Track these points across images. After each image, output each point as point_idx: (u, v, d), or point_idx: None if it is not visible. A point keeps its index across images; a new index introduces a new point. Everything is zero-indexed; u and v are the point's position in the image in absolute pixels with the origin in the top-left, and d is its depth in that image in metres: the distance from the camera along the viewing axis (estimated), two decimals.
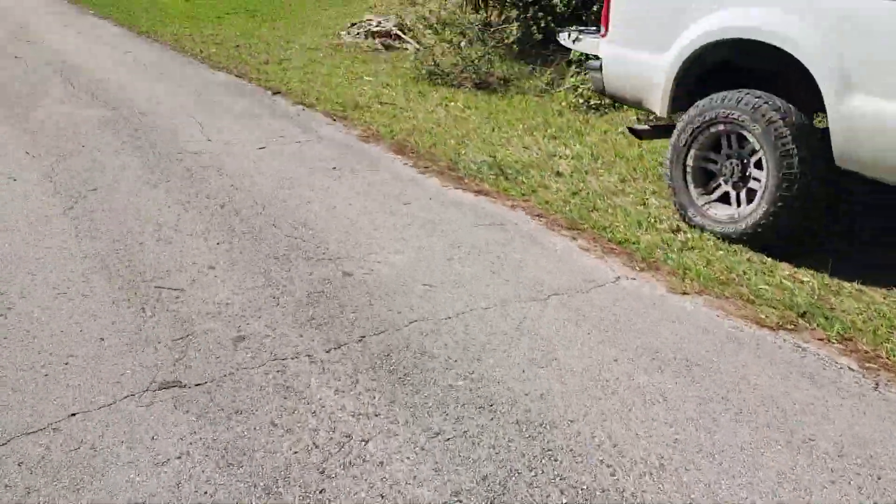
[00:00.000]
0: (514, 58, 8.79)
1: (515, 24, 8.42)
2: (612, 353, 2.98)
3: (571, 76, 7.89)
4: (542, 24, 8.33)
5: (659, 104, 4.68)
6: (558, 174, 5.36)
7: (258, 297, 3.34)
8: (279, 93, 7.47)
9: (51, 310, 3.17)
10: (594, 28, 5.94)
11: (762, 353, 3.03)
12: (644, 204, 4.86)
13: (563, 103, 7.49)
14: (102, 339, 2.96)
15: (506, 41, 8.72)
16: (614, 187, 5.16)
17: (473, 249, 3.91)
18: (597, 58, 5.17)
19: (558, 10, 8.15)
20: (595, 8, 8.08)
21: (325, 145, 5.72)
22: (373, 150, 5.67)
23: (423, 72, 8.44)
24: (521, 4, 8.70)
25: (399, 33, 11.08)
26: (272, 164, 5.21)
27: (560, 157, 5.82)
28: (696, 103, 4.40)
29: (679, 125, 4.49)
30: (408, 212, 4.41)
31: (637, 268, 3.79)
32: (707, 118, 4.28)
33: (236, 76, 8.20)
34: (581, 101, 7.42)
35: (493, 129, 6.51)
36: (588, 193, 4.95)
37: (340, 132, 6.13)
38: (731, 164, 4.28)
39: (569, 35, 5.54)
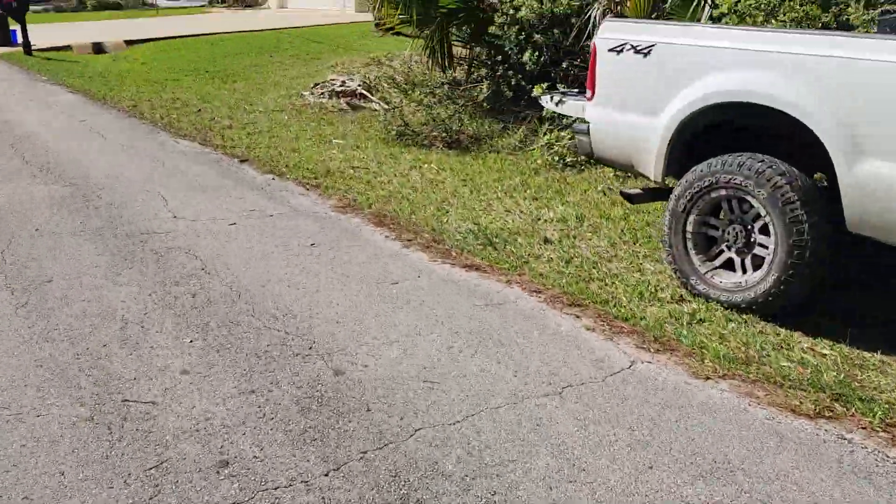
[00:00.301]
0: (485, 116, 8.59)
1: (486, 82, 8.22)
2: (645, 458, 2.65)
3: (545, 134, 7.69)
4: (513, 82, 8.15)
5: (652, 168, 4.44)
6: (546, 241, 5.08)
7: (241, 406, 2.94)
8: (246, 160, 7.13)
9: None
10: (577, 90, 5.74)
11: (806, 450, 2.72)
12: (640, 270, 4.59)
13: (539, 161, 7.27)
14: (62, 474, 2.53)
15: (476, 99, 8.51)
16: (606, 252, 4.89)
17: (473, 336, 3.58)
18: (583, 121, 4.94)
19: (528, 68, 7.98)
20: (564, 65, 7.94)
21: (300, 219, 5.37)
22: (351, 222, 5.33)
23: (393, 132, 8.18)
24: (490, 63, 8.53)
25: (364, 93, 10.86)
26: (245, 242, 4.83)
27: (545, 220, 5.55)
28: (693, 168, 4.17)
29: (677, 190, 4.25)
30: (397, 293, 4.07)
31: (650, 349, 3.49)
32: (707, 183, 4.05)
33: (200, 143, 7.84)
34: (556, 158, 7.21)
35: (472, 192, 6.23)
36: (581, 261, 4.66)
37: (315, 203, 5.79)
38: (735, 229, 4.05)
39: (552, 98, 5.32)
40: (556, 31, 8.06)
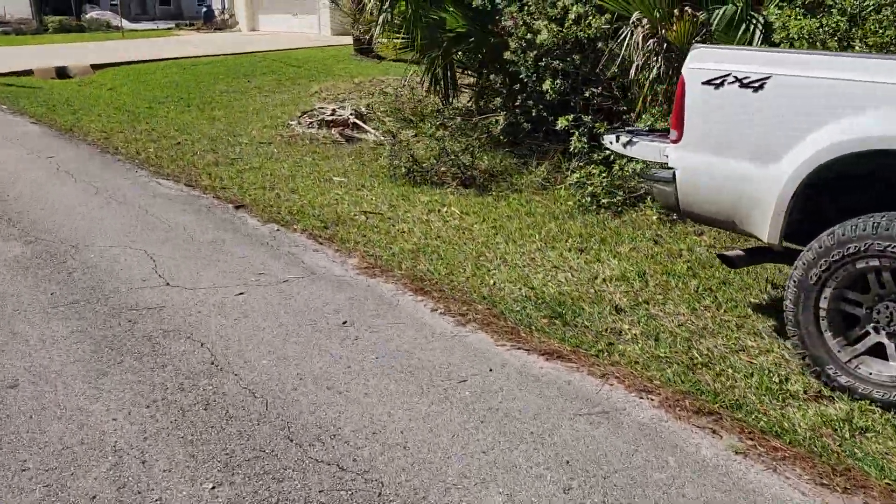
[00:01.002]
0: (500, 149, 7.70)
1: (502, 113, 7.35)
2: None
3: (572, 170, 6.83)
4: (533, 113, 7.28)
5: (766, 227, 3.58)
6: (618, 309, 4.19)
7: None
8: (242, 206, 6.13)
9: None
10: (645, 129, 4.87)
11: None
12: (744, 349, 3.72)
13: (570, 202, 6.40)
14: None
15: (489, 131, 7.63)
16: (692, 324, 4.02)
17: (592, 470, 2.65)
18: (664, 167, 4.07)
19: (549, 98, 7.12)
20: (586, 94, 7.10)
21: (321, 285, 4.40)
22: (384, 288, 4.38)
23: (401, 169, 7.25)
24: (504, 92, 7.66)
25: (358, 122, 9.92)
26: (260, 320, 3.85)
27: (603, 279, 4.67)
28: (830, 230, 3.32)
29: (806, 257, 3.39)
30: (470, 397, 3.13)
31: (834, 485, 2.59)
32: (852, 250, 3.20)
33: (185, 184, 6.81)
34: (589, 199, 6.36)
35: (508, 243, 5.33)
36: (672, 339, 3.78)
37: (333, 261, 4.82)
38: (889, 308, 3.19)
39: (617, 138, 4.44)
40: (576, 56, 7.23)
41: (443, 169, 7.40)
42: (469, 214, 6.13)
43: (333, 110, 10.40)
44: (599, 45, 7.01)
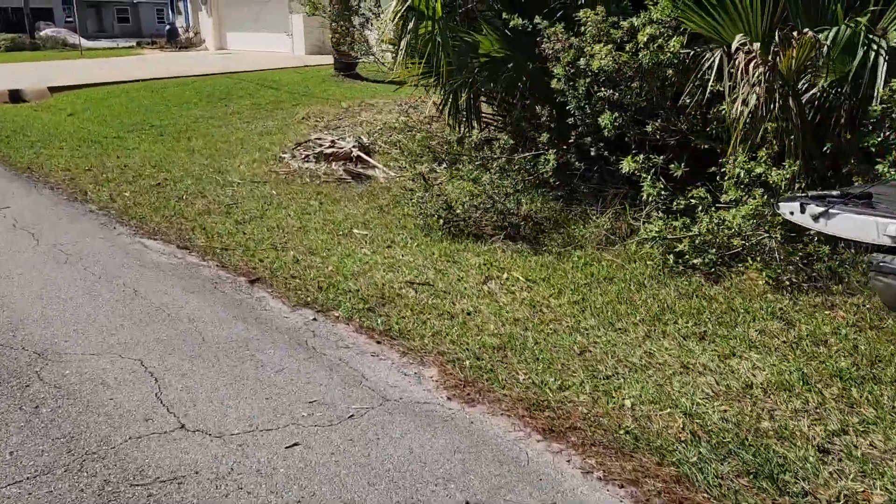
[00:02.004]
0: (548, 193, 6.44)
1: (551, 152, 6.08)
2: None
3: (647, 221, 5.60)
4: (592, 152, 6.03)
5: None
6: (821, 450, 2.95)
7: None
8: (257, 280, 4.75)
9: None
10: (835, 194, 3.61)
11: None
12: None
13: (650, 262, 5.17)
14: None
15: (534, 172, 6.35)
16: None
17: None
18: (890, 250, 2.84)
19: (606, 134, 5.89)
20: (648, 128, 5.88)
21: (404, 423, 3.05)
22: (496, 429, 3.04)
23: (435, 219, 5.93)
24: (551, 125, 6.40)
25: (362, 156, 8.57)
26: (342, 494, 2.49)
27: (760, 389, 3.44)
28: None
29: None
30: None
31: None
32: None
33: (179, 246, 5.39)
34: (671, 257, 5.16)
35: (605, 328, 4.08)
36: None
37: (405, 376, 3.48)
38: None
39: (803, 207, 3.21)
40: (634, 84, 6.01)
41: (483, 218, 6.11)
42: (536, 282, 4.86)
43: (333, 141, 9.03)
44: (669, 71, 5.80)
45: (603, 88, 5.96)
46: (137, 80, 16.55)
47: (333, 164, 8.59)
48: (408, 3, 6.42)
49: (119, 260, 5.02)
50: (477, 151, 6.57)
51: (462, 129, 7.77)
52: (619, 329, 4.11)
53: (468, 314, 4.29)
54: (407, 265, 5.14)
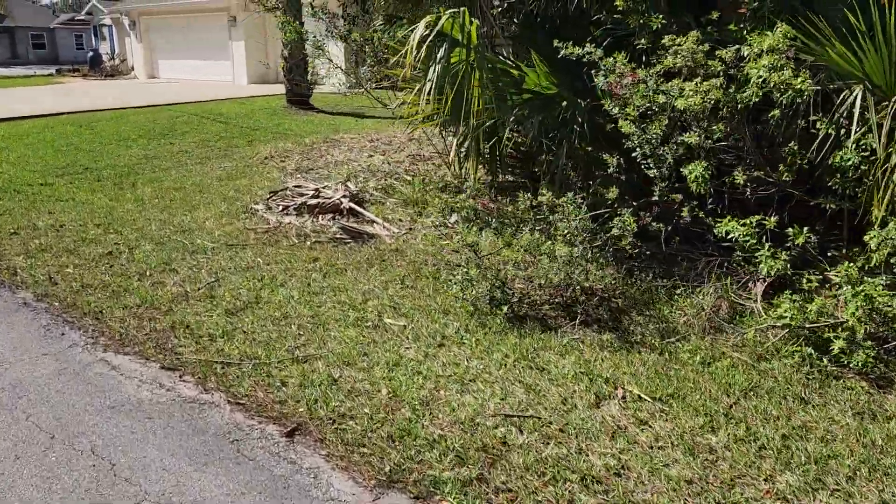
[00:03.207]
0: (617, 262, 5.10)
1: (626, 210, 4.76)
2: None
3: (772, 301, 4.37)
4: (685, 215, 4.74)
5: None
6: None
7: None
8: (295, 430, 3.19)
9: None
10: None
11: None
12: None
13: (788, 361, 3.91)
14: None
15: (609, 237, 5.01)
16: None
17: None
18: None
19: (694, 189, 4.63)
20: (737, 177, 4.68)
21: None
22: None
23: (501, 310, 4.51)
24: (621, 176, 5.10)
25: (356, 207, 7.07)
26: None
27: None
28: None
29: None
30: None
31: None
32: None
33: (163, 366, 3.75)
34: (814, 352, 3.93)
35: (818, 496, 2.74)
36: None
37: None
38: None
39: None
40: (718, 126, 4.80)
41: (541, 297, 4.75)
42: (666, 401, 3.49)
43: (317, 190, 7.49)
44: (776, 112, 4.58)
45: (681, 132, 4.72)
46: (62, 113, 14.53)
47: (321, 217, 7.07)
48: (437, 28, 5.02)
49: (78, 399, 3.36)
50: (532, 211, 5.17)
51: (489, 177, 6.38)
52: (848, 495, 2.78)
53: (617, 475, 2.88)
54: (482, 379, 3.70)
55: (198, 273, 5.31)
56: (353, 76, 8.06)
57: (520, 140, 6.17)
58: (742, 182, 4.87)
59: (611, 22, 5.69)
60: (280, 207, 7.28)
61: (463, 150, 6.22)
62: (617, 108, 4.98)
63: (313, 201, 7.23)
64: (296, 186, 7.71)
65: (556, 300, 4.74)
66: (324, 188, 7.51)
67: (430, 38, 5.00)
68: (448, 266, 5.23)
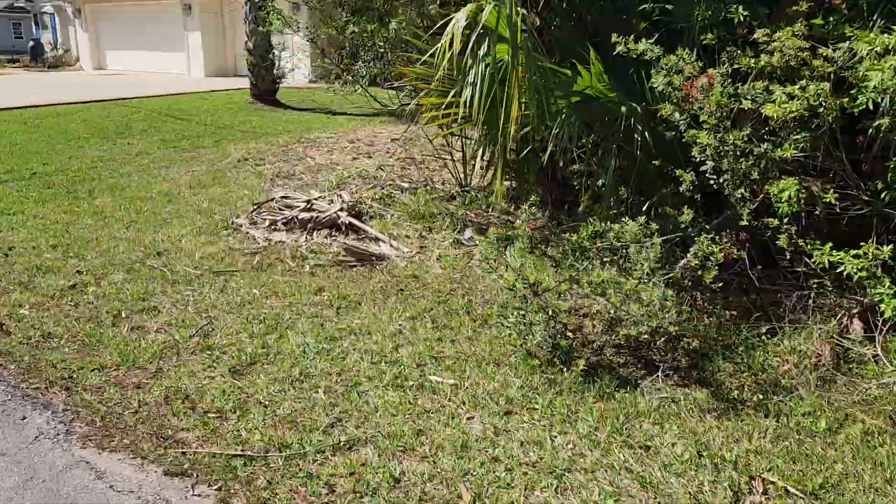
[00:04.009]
0: (707, 301, 4.29)
1: (704, 237, 3.95)
2: None
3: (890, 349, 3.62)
4: (790, 248, 3.97)
5: None
6: None
7: None
8: None
9: None
10: None
11: None
12: None
13: None
14: None
15: (687, 269, 4.19)
16: None
17: None
18: None
19: (788, 209, 3.86)
20: (828, 197, 3.96)
21: None
22: None
23: (544, 345, 3.68)
24: (697, 198, 4.29)
25: (356, 222, 6.13)
26: None
27: None
28: None
29: None
30: None
31: None
32: None
33: (168, 472, 2.73)
34: None
35: None
36: None
37: None
38: None
39: None
40: (800, 136, 4.05)
41: (602, 336, 3.93)
42: (819, 498, 2.71)
43: (309, 202, 6.51)
44: (883, 121, 3.84)
45: (757, 143, 3.96)
46: (2, 109, 13.09)
47: (315, 234, 6.11)
48: (481, 22, 4.12)
49: None
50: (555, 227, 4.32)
51: (512, 190, 5.52)
52: None
53: None
54: (579, 467, 2.85)
55: (184, 312, 4.31)
56: (343, 72, 7.04)
57: (554, 150, 5.30)
58: (833, 201, 4.11)
59: (660, 12, 4.89)
60: (266, 222, 6.29)
61: (484, 159, 5.33)
62: (678, 114, 4.19)
63: (305, 215, 6.26)
64: (283, 197, 6.71)
65: (618, 339, 3.91)
66: (317, 199, 6.53)
67: (474, 34, 4.09)
68: (472, 292, 4.35)
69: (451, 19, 4.14)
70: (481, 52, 4.11)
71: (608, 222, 4.12)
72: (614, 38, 4.25)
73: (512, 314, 3.84)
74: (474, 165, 6.61)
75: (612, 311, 3.81)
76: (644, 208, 4.75)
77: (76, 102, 13.63)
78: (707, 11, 4.36)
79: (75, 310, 4.31)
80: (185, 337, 3.95)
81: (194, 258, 5.40)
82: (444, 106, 4.87)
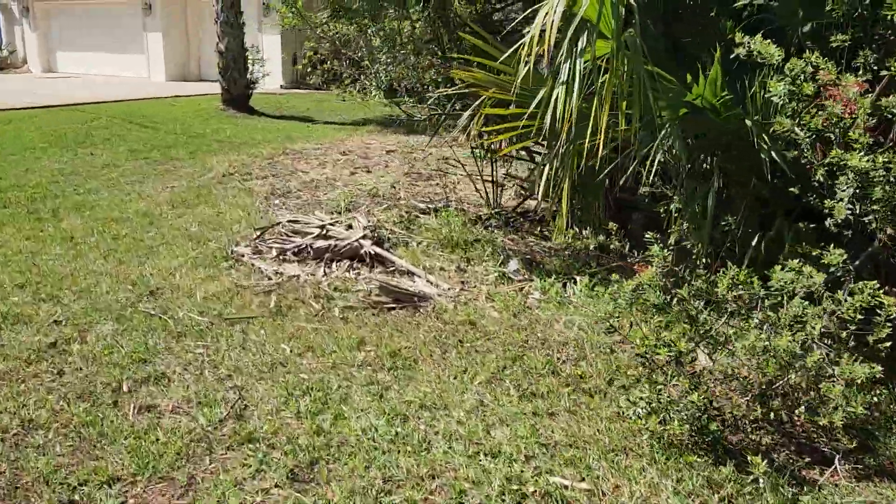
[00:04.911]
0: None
1: (869, 284, 3.13)
2: None
3: None
4: None
5: None
6: None
7: None
8: None
9: None
10: None
11: None
12: None
13: None
14: None
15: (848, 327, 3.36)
16: None
17: None
18: None
19: None
20: None
21: None
22: None
23: (682, 425, 2.81)
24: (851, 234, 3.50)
25: (382, 252, 5.19)
26: None
27: None
28: None
29: None
30: None
31: None
32: None
33: None
34: None
35: None
36: None
37: None
38: None
39: None
40: None
41: (740, 407, 3.10)
42: None
43: (324, 227, 5.52)
44: None
45: None
46: None
47: (335, 265, 5.15)
48: (579, 16, 3.23)
49: None
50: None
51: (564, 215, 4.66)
52: None
53: None
54: None
55: (202, 381, 3.31)
56: (359, 77, 6.05)
57: (621, 169, 4.46)
58: None
59: (759, 9, 4.12)
60: (274, 251, 5.30)
61: (541, 180, 4.47)
62: (799, 130, 3.42)
63: (322, 243, 5.28)
64: (290, 221, 5.70)
65: (758, 411, 3.09)
66: (332, 224, 5.55)
67: (570, 29, 3.21)
68: (546, 344, 3.47)
69: (537, 7, 3.25)
70: (579, 46, 3.23)
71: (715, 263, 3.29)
72: (738, 37, 3.43)
73: (644, 388, 2.96)
74: (499, 183, 5.77)
75: (764, 383, 2.96)
76: (754, 242, 3.94)
77: (27, 108, 12.25)
78: (841, 7, 3.57)
79: (60, 380, 3.26)
80: (213, 421, 2.96)
81: (196, 299, 4.38)
82: (511, 117, 3.97)
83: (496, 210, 6.04)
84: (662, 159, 3.68)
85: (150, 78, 17.41)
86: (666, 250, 3.21)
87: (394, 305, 4.48)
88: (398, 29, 5.25)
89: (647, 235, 3.47)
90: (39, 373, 3.31)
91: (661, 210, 4.30)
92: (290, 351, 3.73)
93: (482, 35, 4.23)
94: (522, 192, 6.83)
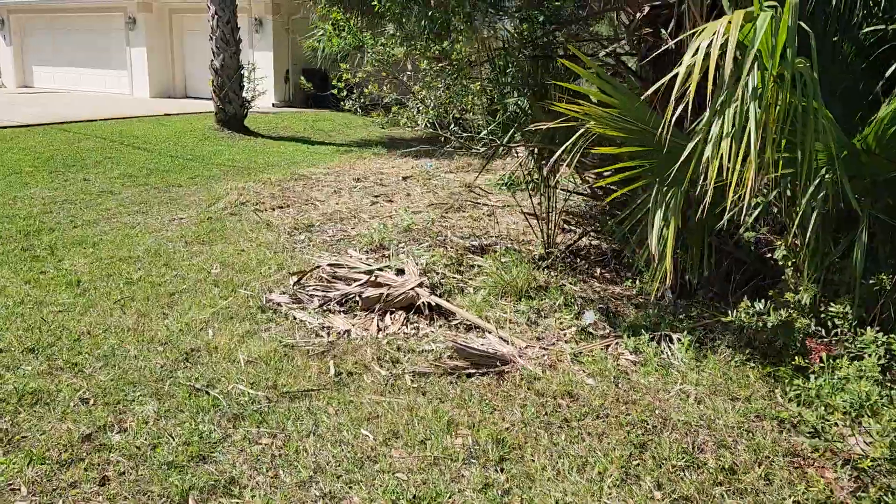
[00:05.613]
0: None
1: None
2: None
3: None
4: None
5: None
6: None
7: None
8: None
9: None
10: None
11: None
12: None
13: None
14: None
15: None
16: None
17: None
18: None
19: None
20: None
21: None
22: None
23: None
24: None
25: (441, 302, 4.54)
26: None
27: None
28: None
29: None
30: None
31: None
32: None
33: None
34: None
35: None
36: None
37: None
38: None
39: None
40: None
41: None
42: None
43: (372, 273, 4.85)
44: None
45: None
46: None
47: (388, 317, 4.48)
48: (755, 47, 2.66)
49: None
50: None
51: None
52: None
53: None
54: None
55: (280, 485, 2.62)
56: (407, 105, 5.39)
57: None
58: None
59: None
60: (315, 301, 4.61)
61: (653, 223, 3.89)
62: None
63: (372, 291, 4.62)
64: (332, 265, 5.01)
65: None
66: (381, 269, 4.87)
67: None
68: (667, 422, 2.85)
69: (695, 32, 2.66)
70: (751, 82, 2.64)
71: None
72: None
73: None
74: (543, 217, 5.19)
75: None
76: None
77: (8, 127, 11.35)
78: None
79: (106, 492, 2.53)
80: None
81: (240, 365, 3.68)
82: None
83: (549, 250, 5.43)
84: (816, 206, 3.11)
85: (134, 94, 16.53)
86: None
87: (472, 370, 3.82)
88: (460, 51, 4.61)
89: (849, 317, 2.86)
90: (78, 482, 2.59)
91: (776, 259, 3.73)
92: (374, 438, 3.05)
93: (583, 60, 3.62)
94: (572, 228, 6.25)
